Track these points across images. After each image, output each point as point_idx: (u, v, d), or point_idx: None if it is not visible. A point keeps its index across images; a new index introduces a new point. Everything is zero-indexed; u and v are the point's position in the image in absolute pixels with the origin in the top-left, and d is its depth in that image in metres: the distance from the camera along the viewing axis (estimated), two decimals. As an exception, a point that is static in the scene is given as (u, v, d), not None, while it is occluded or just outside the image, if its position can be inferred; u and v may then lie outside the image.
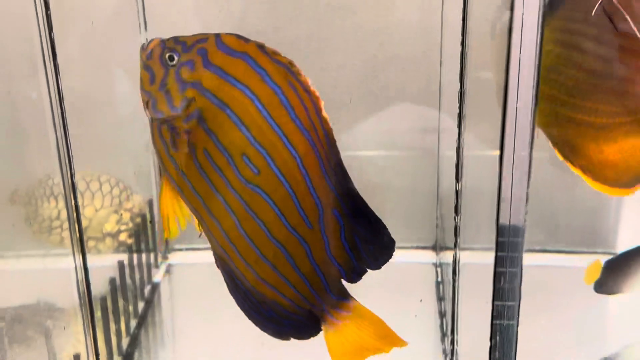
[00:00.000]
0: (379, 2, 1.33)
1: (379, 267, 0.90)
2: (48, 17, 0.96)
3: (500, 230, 0.76)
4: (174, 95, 0.81)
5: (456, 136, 1.13)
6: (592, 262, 1.27)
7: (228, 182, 0.83)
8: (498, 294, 0.79)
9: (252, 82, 0.80)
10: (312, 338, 0.95)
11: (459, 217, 1.11)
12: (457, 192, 1.11)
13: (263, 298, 0.92)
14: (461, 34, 1.06)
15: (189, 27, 1.32)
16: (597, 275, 1.26)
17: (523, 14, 0.69)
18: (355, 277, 0.91)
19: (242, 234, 0.86)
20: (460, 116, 1.09)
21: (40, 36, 0.96)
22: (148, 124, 0.87)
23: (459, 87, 1.08)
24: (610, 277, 1.27)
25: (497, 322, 0.80)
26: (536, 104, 0.73)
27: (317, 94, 0.82)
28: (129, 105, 1.33)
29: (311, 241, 0.87)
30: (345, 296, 0.91)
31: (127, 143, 1.35)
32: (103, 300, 1.16)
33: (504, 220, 0.76)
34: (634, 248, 1.27)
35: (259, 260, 0.87)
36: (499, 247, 0.78)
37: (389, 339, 0.92)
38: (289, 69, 0.81)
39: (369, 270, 0.91)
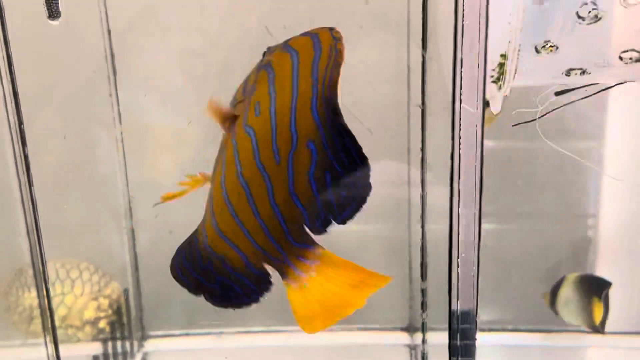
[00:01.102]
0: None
1: (344, 222, 0.82)
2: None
3: (451, 316, 0.78)
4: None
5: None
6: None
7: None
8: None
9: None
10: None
11: (425, 314, 1.12)
12: (422, 291, 1.12)
13: (214, 259, 0.85)
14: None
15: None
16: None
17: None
18: (319, 225, 0.82)
19: (221, 180, 0.83)
20: (423, 205, 1.10)
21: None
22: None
23: (420, 169, 1.09)
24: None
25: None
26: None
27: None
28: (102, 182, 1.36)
29: (275, 179, 0.80)
30: (309, 243, 0.82)
31: (103, 224, 1.37)
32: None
33: (454, 306, 0.78)
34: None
35: (225, 207, 0.83)
36: (453, 334, 0.79)
37: (365, 283, 0.81)
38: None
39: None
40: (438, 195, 1.05)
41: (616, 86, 1.33)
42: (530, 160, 1.39)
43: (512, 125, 0.92)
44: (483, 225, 0.77)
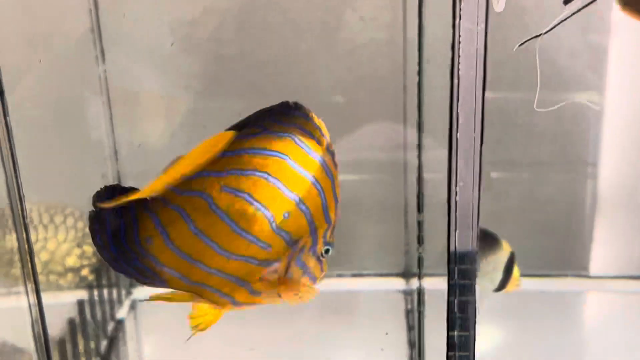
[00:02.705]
0: (346, 23, 1.33)
1: None
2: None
3: (450, 257, 0.75)
4: None
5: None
6: None
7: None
8: (452, 324, 0.77)
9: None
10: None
11: (421, 248, 1.10)
12: (419, 223, 1.09)
13: None
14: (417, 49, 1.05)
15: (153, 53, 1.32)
16: None
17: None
18: None
19: None
20: (419, 147, 1.08)
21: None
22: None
23: (417, 117, 1.07)
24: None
25: (453, 353, 0.78)
26: (482, 120, 0.72)
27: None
28: (87, 133, 1.33)
29: None
30: None
31: (87, 173, 1.34)
32: (62, 340, 1.13)
33: (453, 246, 0.74)
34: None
35: None
36: (451, 275, 0.76)
37: None
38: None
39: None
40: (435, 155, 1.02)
41: (617, 37, 1.31)
42: (529, 111, 1.37)
43: (518, 45, 0.87)
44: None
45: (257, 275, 0.84)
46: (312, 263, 0.86)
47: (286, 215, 0.83)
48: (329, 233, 0.86)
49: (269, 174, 0.83)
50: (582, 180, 1.45)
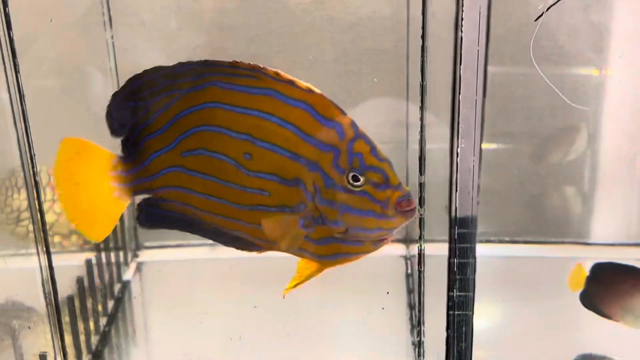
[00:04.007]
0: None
1: None
2: (7, 15, 0.95)
3: (451, 221, 0.77)
4: None
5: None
6: (574, 268, 1.19)
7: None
8: (452, 285, 0.79)
9: None
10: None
11: (423, 209, 1.11)
12: (420, 185, 1.11)
13: None
14: (421, 27, 1.06)
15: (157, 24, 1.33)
16: (581, 283, 1.18)
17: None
18: None
19: None
20: (422, 109, 1.08)
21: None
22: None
23: (420, 80, 1.08)
24: (597, 291, 1.16)
25: (452, 312, 0.80)
26: (484, 95, 0.73)
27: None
28: (95, 103, 1.33)
29: None
30: None
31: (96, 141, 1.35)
32: (70, 299, 1.16)
33: (454, 211, 0.76)
34: (629, 266, 1.16)
35: None
36: (452, 238, 0.78)
37: None
38: None
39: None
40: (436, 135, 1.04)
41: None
42: (529, 85, 1.38)
43: (536, 19, 0.89)
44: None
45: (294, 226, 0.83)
46: (343, 197, 0.80)
47: (247, 156, 0.82)
48: (342, 159, 0.80)
49: (206, 125, 0.84)
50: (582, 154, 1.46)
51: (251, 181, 0.82)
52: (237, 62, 0.83)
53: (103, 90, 1.33)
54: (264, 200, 0.83)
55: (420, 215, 1.17)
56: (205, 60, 0.84)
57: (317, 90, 0.81)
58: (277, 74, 0.81)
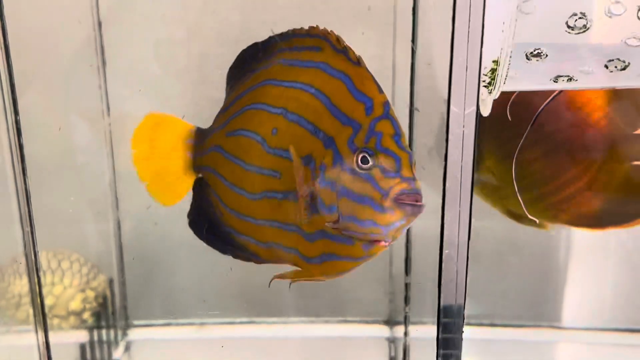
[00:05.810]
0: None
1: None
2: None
3: (439, 311, 0.81)
4: None
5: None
6: None
7: None
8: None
9: None
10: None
11: (408, 307, 1.13)
12: (406, 285, 1.13)
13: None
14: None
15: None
16: None
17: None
18: None
19: None
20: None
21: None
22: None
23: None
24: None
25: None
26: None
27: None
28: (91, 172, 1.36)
29: None
30: None
31: (90, 216, 1.38)
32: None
33: (443, 301, 0.81)
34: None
35: None
36: (440, 329, 0.82)
37: None
38: None
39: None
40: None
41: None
42: None
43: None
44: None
45: (294, 215, 0.79)
46: (346, 179, 0.76)
47: (274, 131, 0.80)
48: (360, 136, 0.76)
49: (254, 104, 0.84)
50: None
51: (268, 160, 0.80)
52: (310, 29, 0.81)
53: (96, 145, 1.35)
54: (274, 184, 0.80)
55: (406, 313, 1.19)
56: (285, 33, 0.83)
57: (364, 64, 0.79)
58: (338, 40, 0.79)
